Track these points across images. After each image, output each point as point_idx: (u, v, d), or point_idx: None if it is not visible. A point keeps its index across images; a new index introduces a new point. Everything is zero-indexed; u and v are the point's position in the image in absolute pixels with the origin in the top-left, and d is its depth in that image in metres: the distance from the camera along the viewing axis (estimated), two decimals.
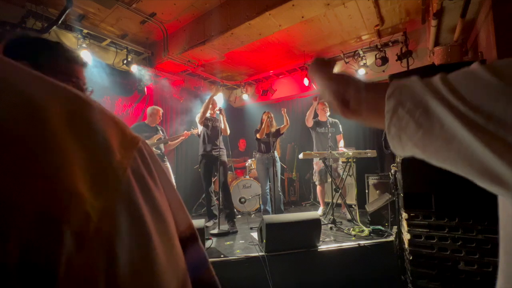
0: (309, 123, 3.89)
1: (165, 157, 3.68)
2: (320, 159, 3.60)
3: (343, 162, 3.89)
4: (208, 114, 3.57)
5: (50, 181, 0.13)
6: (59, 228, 0.13)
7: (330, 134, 3.55)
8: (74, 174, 0.14)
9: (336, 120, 3.92)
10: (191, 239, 0.25)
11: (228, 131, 3.54)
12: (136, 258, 0.16)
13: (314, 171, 3.92)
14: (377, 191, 3.91)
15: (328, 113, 3.89)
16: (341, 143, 3.87)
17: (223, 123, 3.40)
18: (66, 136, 0.15)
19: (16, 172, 0.12)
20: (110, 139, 0.17)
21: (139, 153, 0.20)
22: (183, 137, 3.82)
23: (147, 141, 3.42)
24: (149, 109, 3.68)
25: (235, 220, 3.33)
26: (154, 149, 3.49)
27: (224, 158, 3.48)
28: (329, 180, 3.63)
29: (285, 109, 3.93)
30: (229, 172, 4.88)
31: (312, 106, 3.84)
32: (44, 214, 0.13)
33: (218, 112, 3.45)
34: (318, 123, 3.92)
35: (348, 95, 0.39)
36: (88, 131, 0.16)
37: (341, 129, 3.91)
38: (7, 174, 0.12)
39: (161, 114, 3.70)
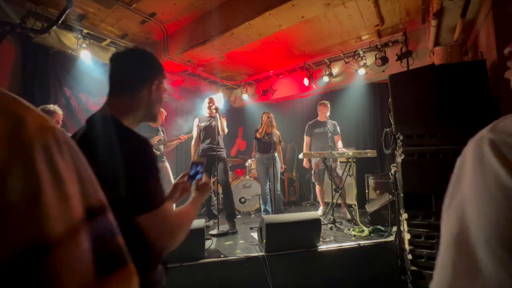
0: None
1: (164, 157, 3.68)
2: (320, 159, 3.60)
3: (342, 162, 3.90)
4: (206, 113, 3.55)
5: None
6: None
7: (330, 134, 3.54)
8: None
9: (335, 122, 3.94)
10: (99, 211, 0.32)
11: (226, 130, 3.49)
12: (25, 192, 0.24)
13: (312, 170, 3.93)
14: (377, 191, 3.90)
15: (328, 113, 3.89)
16: (340, 144, 3.88)
17: (219, 122, 3.36)
18: None
19: None
20: (27, 123, 0.26)
21: (53, 137, 0.28)
22: (180, 140, 3.79)
23: None
24: None
25: (235, 220, 3.33)
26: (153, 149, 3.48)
27: (224, 157, 3.46)
28: (328, 180, 3.63)
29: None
30: (229, 172, 4.88)
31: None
32: None
33: (214, 111, 3.41)
34: (315, 125, 3.93)
35: None
36: (9, 116, 0.25)
37: (339, 130, 3.91)
38: None
39: (164, 116, 3.72)
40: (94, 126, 0.79)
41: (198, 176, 1.00)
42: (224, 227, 3.14)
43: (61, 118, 2.62)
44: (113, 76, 0.86)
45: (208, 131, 3.48)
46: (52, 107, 2.54)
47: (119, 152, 0.71)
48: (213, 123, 3.44)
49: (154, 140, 3.51)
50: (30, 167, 0.25)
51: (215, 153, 3.34)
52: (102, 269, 0.29)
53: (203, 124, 3.52)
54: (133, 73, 0.86)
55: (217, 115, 3.34)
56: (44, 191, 0.25)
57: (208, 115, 3.56)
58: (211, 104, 3.51)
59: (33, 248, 0.24)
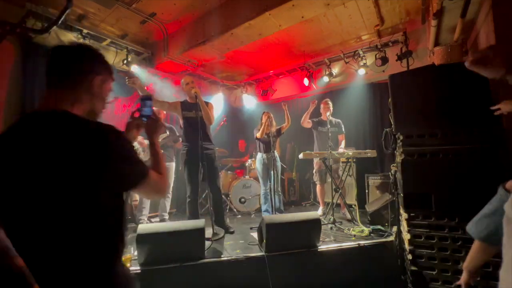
0: (305, 124, 3.90)
1: (173, 157, 3.76)
2: (320, 159, 3.60)
3: (343, 162, 3.89)
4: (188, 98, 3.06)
5: None
6: None
7: (330, 134, 3.54)
8: None
9: (339, 120, 3.92)
10: None
11: (212, 120, 3.01)
12: None
13: (314, 170, 3.93)
14: (377, 191, 3.90)
15: (329, 113, 3.88)
16: (343, 143, 3.87)
17: (203, 110, 2.84)
18: None
19: None
20: None
21: None
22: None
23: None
24: None
25: (228, 225, 3.12)
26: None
27: (212, 154, 3.00)
28: (329, 180, 3.63)
29: (286, 105, 3.90)
30: (229, 172, 4.87)
31: (309, 108, 3.82)
32: None
33: (195, 96, 2.83)
34: (319, 122, 3.93)
35: None
36: None
37: (343, 129, 3.91)
38: None
39: (165, 112, 3.73)
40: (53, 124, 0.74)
41: (148, 111, 1.05)
42: (219, 230, 2.99)
43: None
44: (57, 66, 0.83)
45: (190, 123, 2.95)
46: None
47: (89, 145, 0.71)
48: (197, 113, 2.86)
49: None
50: None
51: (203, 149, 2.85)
52: None
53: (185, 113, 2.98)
54: (75, 64, 0.83)
55: (198, 102, 2.84)
56: None
57: (189, 101, 3.03)
58: (191, 86, 2.93)
59: None
